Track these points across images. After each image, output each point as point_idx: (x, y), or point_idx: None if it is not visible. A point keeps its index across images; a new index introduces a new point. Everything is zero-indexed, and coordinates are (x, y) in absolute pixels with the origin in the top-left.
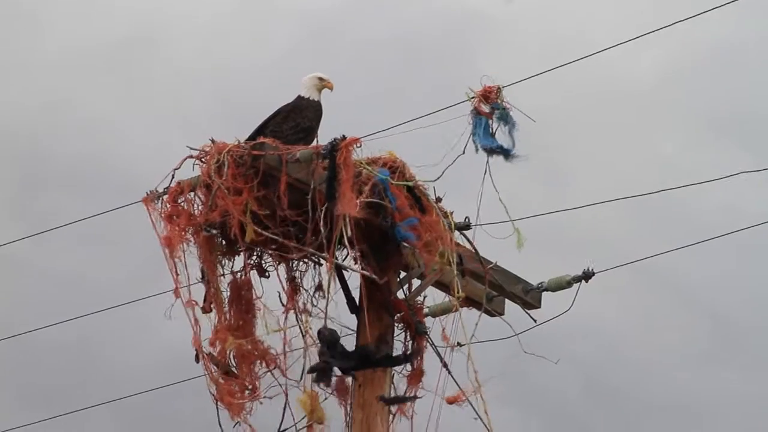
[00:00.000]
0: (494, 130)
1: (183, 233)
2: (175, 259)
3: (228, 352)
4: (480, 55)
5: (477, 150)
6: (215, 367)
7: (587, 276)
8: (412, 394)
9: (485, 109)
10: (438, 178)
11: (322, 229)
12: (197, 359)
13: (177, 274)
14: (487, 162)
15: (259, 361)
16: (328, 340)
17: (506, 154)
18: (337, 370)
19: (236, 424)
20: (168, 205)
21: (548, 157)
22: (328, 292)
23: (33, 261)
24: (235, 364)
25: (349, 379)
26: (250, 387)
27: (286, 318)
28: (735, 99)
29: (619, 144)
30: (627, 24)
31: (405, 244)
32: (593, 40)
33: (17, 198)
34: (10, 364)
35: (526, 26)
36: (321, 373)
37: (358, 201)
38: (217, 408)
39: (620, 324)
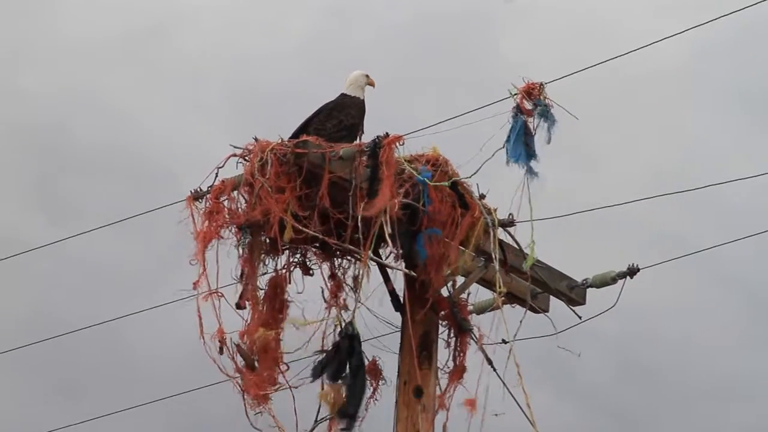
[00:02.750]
0: (535, 127)
1: (218, 230)
2: (205, 253)
3: (256, 343)
4: (502, 37)
5: (507, 161)
6: (242, 359)
7: (632, 272)
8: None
9: (528, 105)
10: (475, 172)
11: (359, 225)
12: (221, 351)
13: (204, 269)
14: (534, 175)
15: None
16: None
17: (530, 169)
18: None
19: (258, 413)
20: (210, 202)
21: (576, 141)
22: (360, 287)
23: (60, 249)
24: (257, 358)
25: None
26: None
27: (328, 314)
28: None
29: (647, 125)
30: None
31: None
32: (616, 21)
33: (40, 186)
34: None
35: (548, 5)
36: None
37: (396, 201)
38: (244, 400)
39: (656, 303)
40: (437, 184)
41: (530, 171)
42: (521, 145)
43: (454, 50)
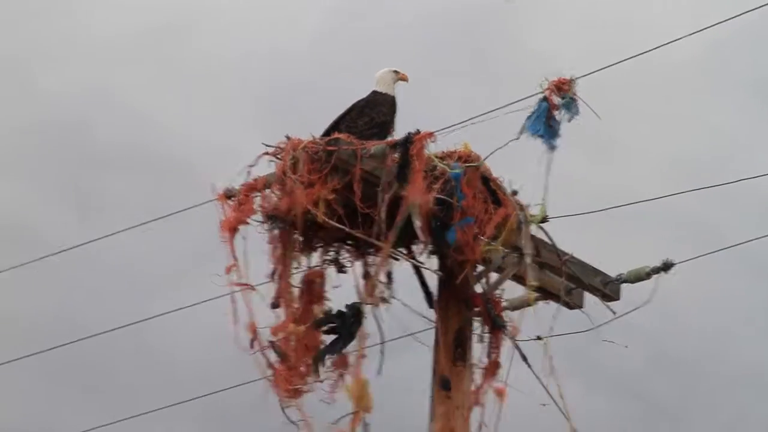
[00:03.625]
0: (559, 119)
1: (243, 218)
2: (234, 241)
3: (290, 340)
4: (524, 27)
5: (520, 134)
6: (275, 354)
7: (667, 267)
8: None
9: (556, 100)
10: (486, 157)
11: (381, 214)
12: (252, 345)
13: (235, 259)
14: (550, 156)
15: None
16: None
17: (549, 144)
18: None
19: (286, 407)
20: (240, 197)
21: (598, 130)
22: (378, 278)
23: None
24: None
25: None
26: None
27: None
28: None
29: (668, 114)
30: None
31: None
32: (637, 9)
33: (62, 183)
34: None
35: None
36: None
37: (430, 195)
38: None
39: (687, 294)
40: (469, 165)
41: (549, 145)
42: (541, 125)
43: (476, 42)
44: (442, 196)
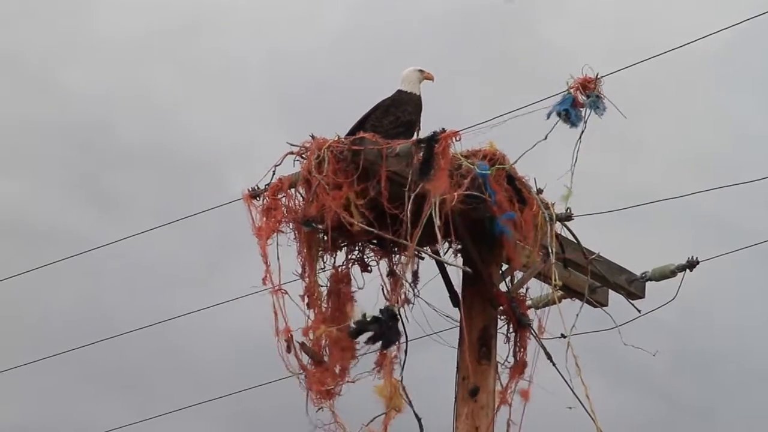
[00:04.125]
0: (585, 117)
1: (276, 225)
2: (267, 249)
3: (322, 341)
4: (542, 21)
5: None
6: (306, 356)
7: (692, 265)
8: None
9: (581, 98)
10: (519, 157)
11: (408, 214)
12: (288, 349)
13: (267, 264)
14: (577, 145)
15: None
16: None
17: (572, 121)
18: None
19: (319, 409)
20: (267, 200)
21: (621, 128)
22: (404, 278)
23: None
24: (327, 352)
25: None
26: (338, 372)
27: None
28: None
29: (692, 109)
30: None
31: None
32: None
33: (86, 182)
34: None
35: None
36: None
37: (456, 193)
38: (307, 397)
39: (712, 291)
40: (496, 167)
41: (572, 121)
42: (569, 107)
43: (495, 39)
44: (474, 192)
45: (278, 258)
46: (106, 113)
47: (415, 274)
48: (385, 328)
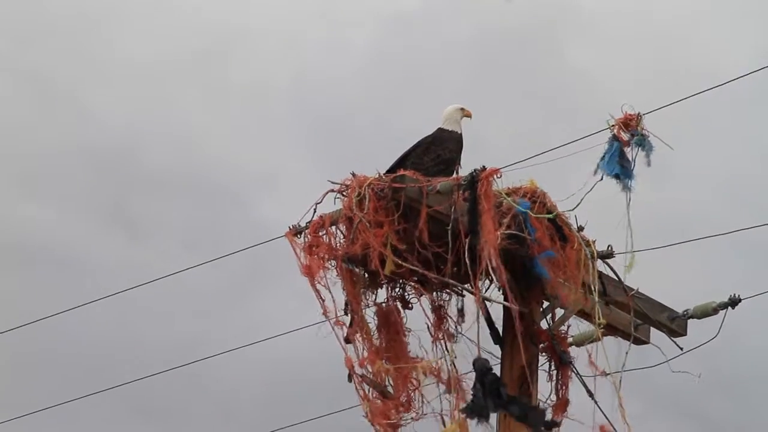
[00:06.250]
0: (634, 156)
1: (323, 262)
2: (317, 286)
3: (383, 374)
4: (568, 47)
5: (597, 174)
6: (368, 388)
7: (734, 303)
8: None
9: (625, 136)
10: (576, 206)
11: (467, 261)
12: (350, 379)
13: (323, 299)
14: (629, 190)
15: (418, 375)
16: (480, 368)
17: (625, 184)
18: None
19: None
20: (309, 237)
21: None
22: (479, 327)
23: (139, 264)
24: (391, 384)
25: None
26: (404, 403)
27: (434, 348)
28: None
29: (719, 129)
30: (722, 11)
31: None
32: (687, 26)
33: (113, 207)
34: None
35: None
36: (475, 412)
37: (498, 233)
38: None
39: (745, 312)
40: (539, 216)
41: (625, 186)
42: (616, 164)
43: (521, 63)
44: (513, 231)
45: (330, 292)
46: (133, 138)
47: (461, 312)
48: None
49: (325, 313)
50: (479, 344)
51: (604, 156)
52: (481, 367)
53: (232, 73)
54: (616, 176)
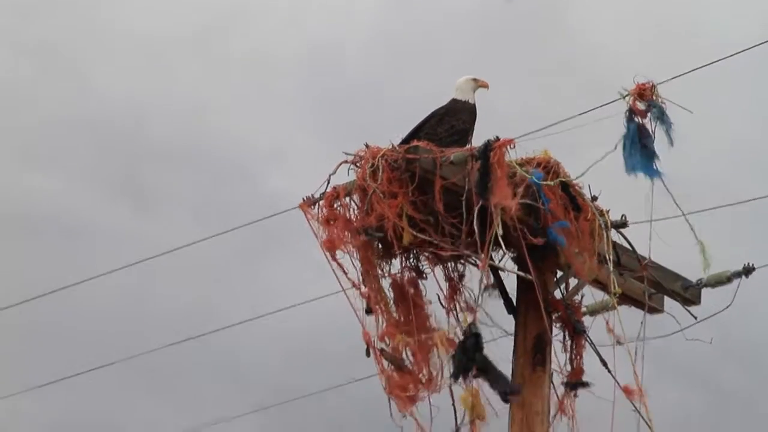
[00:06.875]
0: (653, 129)
1: (342, 236)
2: (338, 260)
3: (401, 347)
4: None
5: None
6: (386, 362)
7: (747, 271)
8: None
9: (641, 106)
10: (584, 173)
11: (476, 228)
12: (368, 353)
13: (346, 272)
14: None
15: (436, 348)
16: (465, 332)
17: (651, 174)
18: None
19: (404, 416)
20: (325, 210)
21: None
22: (482, 294)
23: (147, 236)
24: (410, 358)
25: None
26: (424, 379)
27: (448, 319)
28: None
29: (729, 98)
30: None
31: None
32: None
33: (119, 176)
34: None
35: None
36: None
37: (516, 201)
38: (389, 402)
39: (757, 280)
40: (547, 183)
41: (652, 174)
42: (637, 152)
43: (525, 32)
44: (528, 201)
45: (353, 264)
46: (135, 110)
47: (480, 282)
48: (493, 376)
49: (347, 286)
50: (478, 308)
51: (624, 144)
52: (468, 331)
53: (234, 46)
54: (642, 171)
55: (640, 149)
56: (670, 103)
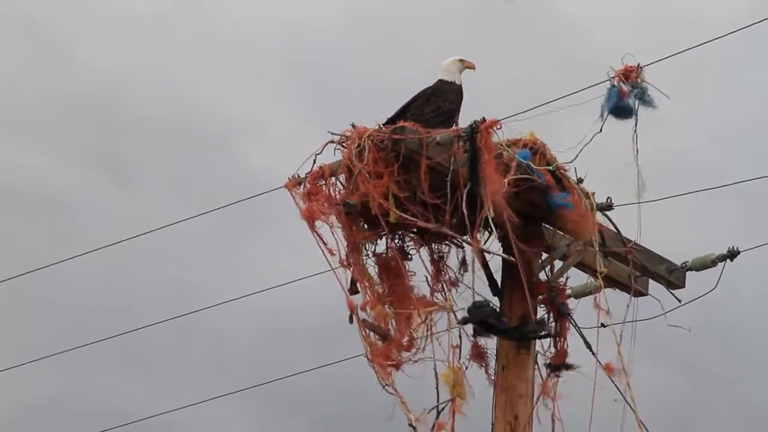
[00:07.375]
0: (635, 108)
1: (321, 208)
2: (318, 231)
3: (384, 317)
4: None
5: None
6: (369, 331)
7: (732, 255)
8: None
9: (625, 88)
10: (575, 158)
11: (465, 211)
12: (351, 320)
13: (325, 243)
14: (635, 141)
15: (417, 313)
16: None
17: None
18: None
19: (385, 386)
20: (308, 185)
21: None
22: (473, 277)
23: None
24: (394, 326)
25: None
26: (406, 343)
27: (433, 298)
28: None
29: (712, 76)
30: None
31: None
32: None
33: (100, 149)
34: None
35: None
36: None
37: (506, 181)
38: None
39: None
40: (540, 168)
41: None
42: (614, 104)
43: (512, 11)
44: (524, 176)
45: (333, 235)
46: (118, 84)
47: (463, 262)
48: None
49: (328, 255)
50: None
51: (603, 109)
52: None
53: (217, 21)
54: (618, 110)
55: (617, 101)
56: (652, 86)
